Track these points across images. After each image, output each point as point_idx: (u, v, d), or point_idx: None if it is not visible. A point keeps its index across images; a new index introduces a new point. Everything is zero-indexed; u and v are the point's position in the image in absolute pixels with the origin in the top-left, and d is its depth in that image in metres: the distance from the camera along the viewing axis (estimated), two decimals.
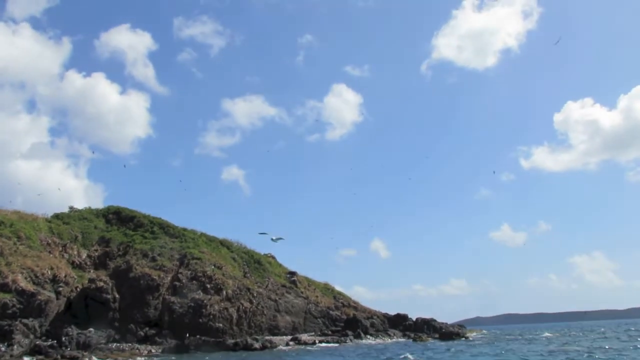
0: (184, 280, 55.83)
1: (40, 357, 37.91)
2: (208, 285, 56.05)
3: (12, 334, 43.56)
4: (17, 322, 44.58)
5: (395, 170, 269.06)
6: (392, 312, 77.70)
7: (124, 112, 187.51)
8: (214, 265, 58.93)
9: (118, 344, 49.03)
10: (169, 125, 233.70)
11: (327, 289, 77.79)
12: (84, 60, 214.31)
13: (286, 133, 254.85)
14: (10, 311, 44.70)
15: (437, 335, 64.30)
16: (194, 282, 56.08)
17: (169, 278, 55.86)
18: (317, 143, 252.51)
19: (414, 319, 75.36)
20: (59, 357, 37.35)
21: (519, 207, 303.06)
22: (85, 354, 39.47)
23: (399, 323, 74.57)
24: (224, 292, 56.29)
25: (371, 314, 76.18)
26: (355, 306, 77.67)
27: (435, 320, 73.82)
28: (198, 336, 49.47)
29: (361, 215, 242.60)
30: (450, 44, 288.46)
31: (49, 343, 41.98)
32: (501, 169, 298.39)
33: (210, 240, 66.77)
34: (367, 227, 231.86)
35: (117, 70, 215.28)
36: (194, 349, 47.07)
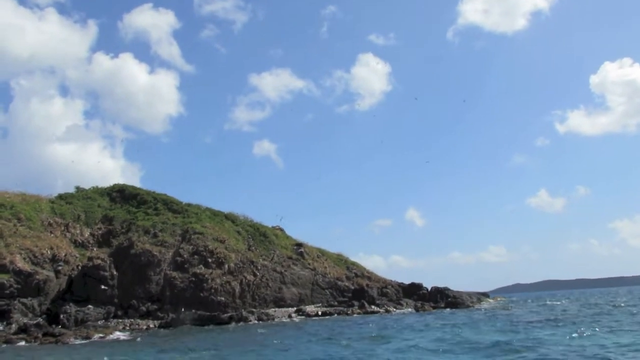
0: (185, 255, 55.90)
1: (23, 335, 38.10)
2: (209, 260, 56.01)
3: (10, 313, 44.42)
4: (15, 302, 45.41)
5: (427, 138, 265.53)
6: (428, 282, 76.98)
7: (153, 92, 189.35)
8: (216, 239, 58.79)
9: (121, 320, 49.58)
10: (199, 103, 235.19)
11: (339, 260, 77.21)
12: (110, 42, 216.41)
13: (315, 105, 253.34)
14: (7, 291, 45.35)
15: (442, 305, 63.38)
16: (196, 256, 56.10)
17: (170, 253, 55.98)
18: (346, 114, 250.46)
19: (429, 288, 74.51)
20: (39, 335, 37.45)
21: (556, 173, 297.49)
22: (67, 331, 39.64)
23: (413, 292, 73.78)
24: (226, 266, 56.20)
25: (385, 284, 75.46)
26: (369, 276, 76.97)
27: (449, 289, 72.79)
28: (193, 310, 49.55)
29: (394, 185, 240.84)
30: (477, 8, 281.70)
31: (34, 322, 42.34)
32: (536, 134, 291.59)
33: (215, 214, 66.65)
34: (400, 196, 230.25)
35: (143, 50, 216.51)
36: (189, 322, 47.17)
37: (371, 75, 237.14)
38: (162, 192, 67.57)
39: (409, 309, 60.84)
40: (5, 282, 45.52)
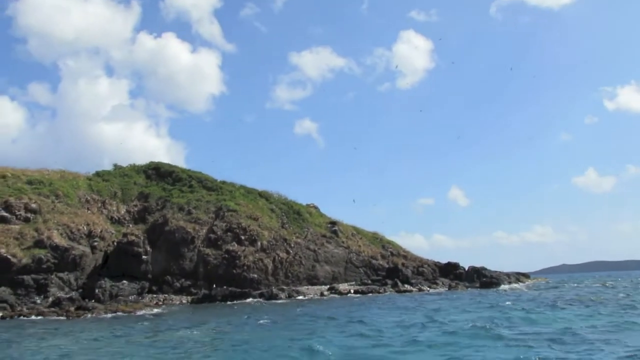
0: (218, 232, 56.30)
1: (55, 308, 39.01)
2: (242, 237, 56.29)
3: (47, 287, 45.62)
4: (52, 276, 46.60)
5: (471, 116, 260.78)
6: (472, 261, 75.95)
7: (196, 71, 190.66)
8: (250, 217, 58.99)
9: (155, 295, 50.43)
10: (240, 82, 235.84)
11: (375, 238, 76.66)
12: (153, 22, 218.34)
13: (356, 83, 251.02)
14: (45, 266, 46.56)
15: (477, 285, 62.39)
16: (229, 233, 56.45)
17: (204, 230, 56.47)
18: (387, 92, 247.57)
19: (466, 268, 73.46)
20: (71, 308, 38.25)
21: (605, 151, 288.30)
22: (98, 305, 40.38)
23: (449, 272, 72.84)
24: (259, 243, 56.40)
25: (421, 263, 74.73)
26: (405, 255, 76.29)
27: (485, 269, 71.49)
28: (225, 287, 49.98)
29: (437, 164, 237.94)
30: None
31: (68, 295, 43.29)
32: (583, 112, 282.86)
33: (249, 192, 66.84)
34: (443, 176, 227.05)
35: (185, 30, 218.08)
36: (221, 299, 47.59)
37: (413, 53, 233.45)
38: (198, 170, 68.16)
39: (444, 289, 59.99)
40: (42, 257, 46.71)
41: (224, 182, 67.18)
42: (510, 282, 72.40)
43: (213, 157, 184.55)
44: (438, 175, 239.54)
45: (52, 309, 39.47)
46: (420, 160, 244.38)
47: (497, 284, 61.98)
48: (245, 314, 33.71)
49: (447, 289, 59.84)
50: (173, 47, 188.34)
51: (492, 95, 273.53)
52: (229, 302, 46.72)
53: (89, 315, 36.07)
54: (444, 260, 75.61)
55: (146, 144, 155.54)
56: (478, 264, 74.92)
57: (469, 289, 59.87)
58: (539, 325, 23.02)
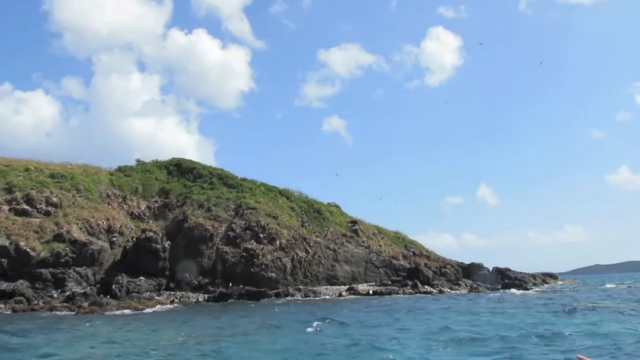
0: (237, 230, 56.00)
1: (67, 304, 39.08)
2: (261, 235, 55.91)
3: (65, 281, 45.84)
4: (70, 270, 46.79)
5: (500, 113, 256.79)
6: (502, 262, 74.79)
7: (225, 67, 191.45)
8: (269, 215, 58.61)
9: (173, 292, 50.33)
10: (269, 78, 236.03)
11: (397, 238, 75.80)
12: (184, 18, 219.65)
13: (385, 80, 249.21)
14: (63, 260, 46.77)
15: (499, 286, 61.16)
16: (248, 232, 56.11)
17: (223, 228, 56.24)
18: (416, 89, 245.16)
19: (490, 269, 72.17)
20: (84, 304, 38.24)
21: (638, 148, 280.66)
22: (111, 301, 40.34)
23: (473, 272, 71.59)
24: (278, 242, 55.97)
25: (444, 263, 73.63)
26: (428, 255, 75.28)
27: (510, 270, 70.28)
28: (241, 285, 49.70)
29: (466, 162, 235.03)
30: None
31: (82, 291, 43.38)
32: (616, 108, 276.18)
33: (269, 190, 66.44)
34: (472, 174, 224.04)
35: (215, 26, 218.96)
36: (236, 297, 47.33)
37: (442, 49, 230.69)
38: (226, 167, 68.14)
39: (465, 290, 58.93)
40: (61, 250, 46.94)
41: (244, 180, 66.91)
42: (535, 284, 71.02)
43: (241, 154, 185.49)
44: (467, 174, 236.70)
45: (65, 304, 39.50)
46: (449, 159, 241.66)
47: (520, 286, 60.71)
48: (243, 314, 33.63)
49: (468, 290, 58.73)
50: (203, 43, 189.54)
51: (522, 92, 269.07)
52: (244, 301, 46.43)
53: (99, 311, 35.96)
54: (473, 260, 74.37)
55: (176, 139, 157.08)
56: (508, 264, 73.61)
57: (491, 290, 58.66)
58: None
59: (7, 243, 46.22)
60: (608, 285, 75.60)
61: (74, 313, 35.40)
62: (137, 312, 36.92)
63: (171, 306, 41.68)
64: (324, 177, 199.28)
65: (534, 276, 79.71)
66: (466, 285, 62.70)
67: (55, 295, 43.95)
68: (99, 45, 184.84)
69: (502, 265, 72.74)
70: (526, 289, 60.47)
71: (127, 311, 36.83)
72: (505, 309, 34.37)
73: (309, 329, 24.59)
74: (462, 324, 26.10)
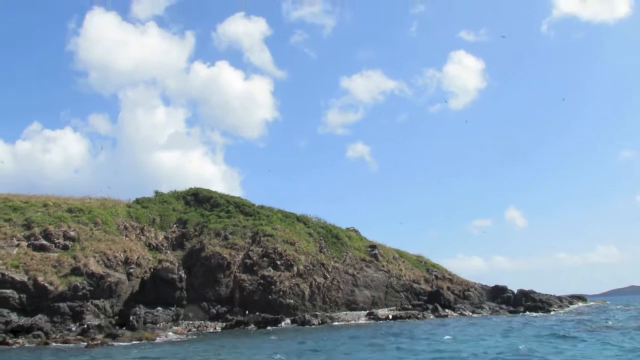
0: (254, 258, 55.85)
1: (80, 337, 39.13)
2: (278, 262, 55.66)
3: (83, 314, 45.91)
4: (87, 303, 46.89)
5: (527, 135, 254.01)
6: (533, 284, 73.80)
7: (249, 97, 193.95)
8: (286, 242, 58.40)
9: (191, 322, 50.17)
10: (292, 107, 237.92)
11: (419, 262, 75.00)
12: (206, 51, 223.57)
13: (408, 105, 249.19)
14: (80, 293, 46.92)
15: (521, 309, 59.83)
16: (265, 259, 55.91)
17: (240, 256, 56.13)
18: (439, 113, 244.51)
19: (514, 291, 70.83)
20: (97, 336, 38.28)
21: None
22: (125, 332, 40.35)
23: (497, 295, 70.45)
24: (295, 268, 55.63)
25: (468, 286, 72.56)
26: (451, 278, 74.26)
27: (534, 292, 68.86)
28: (259, 313, 49.39)
29: (492, 184, 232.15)
30: None
31: (96, 323, 43.38)
32: None
33: (286, 216, 66.38)
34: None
35: (236, 58, 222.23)
36: (253, 324, 47.02)
37: (464, 73, 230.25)
38: (251, 197, 68.53)
39: (487, 313, 57.80)
40: (78, 284, 47.15)
41: (261, 207, 67.02)
42: (561, 306, 69.42)
43: (267, 183, 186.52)
44: (494, 197, 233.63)
45: (79, 337, 39.57)
46: (475, 181, 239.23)
47: (542, 308, 59.31)
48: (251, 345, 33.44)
49: (489, 313, 57.59)
50: (226, 75, 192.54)
51: (548, 113, 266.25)
52: (261, 329, 46.13)
53: (111, 343, 35.96)
54: (504, 283, 73.29)
55: (203, 171, 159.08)
56: (539, 286, 72.49)
57: (513, 313, 57.48)
58: None
59: (25, 278, 46.62)
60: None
61: (84, 345, 35.44)
62: (149, 342, 36.85)
63: (183, 336, 41.41)
64: (350, 203, 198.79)
65: (560, 298, 78.06)
66: (489, 309, 61.54)
67: (73, 329, 43.99)
68: (124, 82, 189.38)
69: (533, 287, 71.55)
70: (548, 311, 59.01)
71: (135, 342, 36.82)
72: (485, 333, 34.10)
73: None
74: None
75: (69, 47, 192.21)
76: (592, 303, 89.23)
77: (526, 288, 71.57)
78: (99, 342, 35.99)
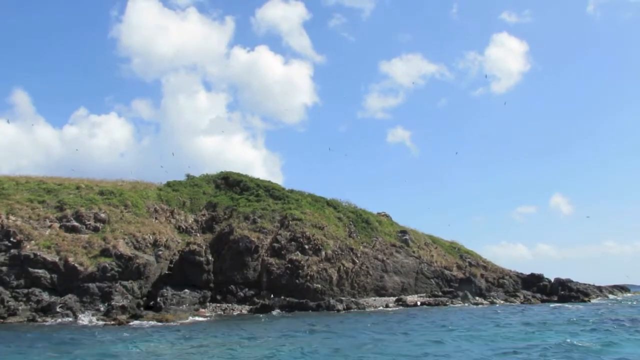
0: (282, 242, 55.76)
1: (103, 317, 39.76)
2: (306, 246, 55.44)
3: (111, 295, 46.58)
4: (116, 284, 47.58)
5: (572, 118, 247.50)
6: (580, 273, 72.31)
7: (289, 82, 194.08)
8: (315, 226, 58.11)
9: (218, 304, 50.49)
10: (332, 92, 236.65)
11: (452, 248, 73.90)
12: (245, 36, 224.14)
13: (449, 89, 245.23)
14: (109, 274, 47.63)
15: (555, 298, 58.27)
16: (293, 243, 55.78)
17: (268, 240, 56.13)
18: (482, 97, 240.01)
19: (551, 280, 69.20)
20: (120, 317, 38.80)
21: None
22: (148, 313, 40.81)
23: (533, 283, 68.96)
24: (323, 253, 55.33)
25: (503, 274, 71.30)
26: (485, 265, 73.08)
27: (571, 281, 67.12)
28: (284, 297, 49.39)
29: (537, 170, 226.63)
30: None
31: (120, 304, 43.89)
32: None
33: (316, 200, 66.06)
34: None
35: (276, 43, 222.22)
36: (278, 308, 47.06)
37: (507, 56, 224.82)
38: (292, 181, 68.57)
39: (519, 301, 56.58)
40: (107, 265, 47.86)
41: (291, 191, 66.85)
42: (599, 296, 67.56)
43: (306, 168, 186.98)
44: (538, 183, 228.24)
45: (102, 317, 40.23)
46: (519, 167, 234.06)
47: (577, 298, 57.64)
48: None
49: (520, 302, 56.32)
50: (266, 59, 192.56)
51: (594, 97, 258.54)
52: (285, 313, 46.18)
53: (130, 323, 36.47)
54: (548, 272, 72.09)
55: (244, 155, 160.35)
56: (585, 275, 70.86)
57: (545, 302, 56.12)
58: None
59: (56, 259, 47.58)
60: None
61: (101, 325, 36.12)
62: (168, 324, 37.19)
63: (204, 319, 41.60)
64: (390, 189, 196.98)
65: (600, 288, 76.01)
66: (523, 297, 60.23)
67: (101, 309, 44.72)
68: (166, 68, 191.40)
69: (579, 277, 69.97)
70: (583, 301, 57.33)
71: (152, 322, 37.40)
72: (491, 325, 33.47)
73: None
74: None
75: (112, 34, 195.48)
76: (632, 294, 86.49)
77: (573, 277, 70.10)
78: (117, 322, 36.48)
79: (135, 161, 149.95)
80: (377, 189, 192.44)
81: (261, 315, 45.12)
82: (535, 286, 67.87)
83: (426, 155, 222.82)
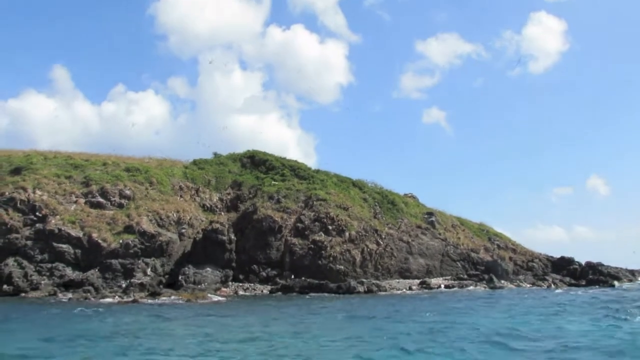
0: (306, 222, 55.32)
1: (120, 294, 39.99)
2: (330, 227, 54.90)
3: (134, 272, 47.00)
4: (139, 261, 47.94)
5: (610, 99, 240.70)
6: (617, 256, 70.51)
7: (324, 62, 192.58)
8: (339, 207, 57.49)
9: (241, 284, 50.51)
10: (367, 71, 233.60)
11: (481, 230, 72.41)
12: (281, 15, 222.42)
13: (485, 69, 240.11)
14: (132, 251, 48.02)
15: (583, 282, 56.74)
16: (317, 223, 55.29)
17: (292, 220, 55.75)
18: (519, 77, 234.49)
19: (582, 263, 67.42)
20: (139, 294, 39.00)
21: None
22: (167, 291, 41.01)
23: (563, 267, 67.28)
24: (347, 234, 54.74)
25: (532, 257, 69.69)
26: (514, 248, 71.40)
27: (602, 265, 65.07)
28: (305, 277, 49.11)
29: (573, 151, 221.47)
30: None
31: (139, 281, 44.15)
32: None
33: (342, 181, 65.29)
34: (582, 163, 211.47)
35: (311, 21, 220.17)
36: (298, 289, 46.86)
37: (545, 35, 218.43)
38: (326, 163, 68.13)
39: (545, 285, 55.42)
40: (130, 242, 48.23)
41: (317, 171, 66.24)
42: (631, 280, 65.58)
43: (341, 148, 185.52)
44: (575, 164, 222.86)
45: (119, 293, 40.55)
46: (555, 149, 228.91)
47: (606, 282, 56.06)
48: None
49: (547, 286, 55.11)
50: (301, 38, 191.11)
51: (634, 78, 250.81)
52: (304, 294, 46.03)
53: (143, 300, 36.69)
54: (586, 255, 70.43)
55: (279, 134, 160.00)
56: (624, 259, 68.49)
57: (573, 286, 54.85)
58: None
59: (80, 234, 48.17)
60: None
61: (116, 302, 36.43)
62: (185, 302, 37.25)
63: (222, 298, 41.49)
64: (423, 170, 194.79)
65: (633, 272, 73.78)
66: (551, 281, 58.86)
67: (123, 285, 45.10)
68: (202, 46, 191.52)
69: (618, 261, 68.04)
70: (612, 285, 55.69)
71: (164, 299, 37.74)
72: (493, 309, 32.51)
73: None
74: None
75: (150, 11, 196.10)
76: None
77: (612, 261, 68.31)
78: (131, 300, 36.69)
79: (171, 139, 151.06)
80: (410, 169, 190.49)
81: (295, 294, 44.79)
82: (565, 269, 66.19)
83: (461, 136, 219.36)
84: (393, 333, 22.37)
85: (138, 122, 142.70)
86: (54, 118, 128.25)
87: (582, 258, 69.25)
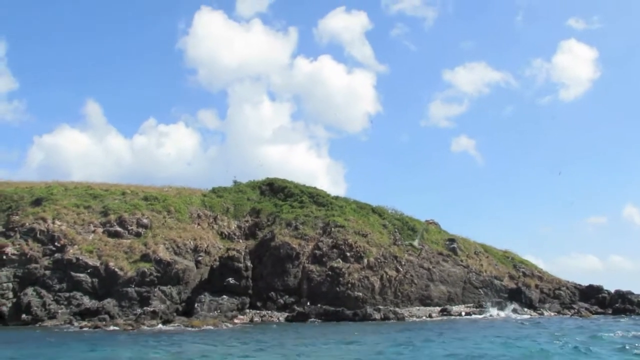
0: (324, 249, 54.79)
1: (130, 322, 39.80)
2: (348, 254, 54.28)
3: (150, 300, 46.86)
4: (155, 289, 47.84)
5: None
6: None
7: (351, 91, 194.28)
8: (358, 233, 56.88)
9: (258, 311, 49.98)
10: (395, 101, 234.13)
11: (505, 257, 70.93)
12: (308, 46, 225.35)
13: (514, 97, 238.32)
14: (148, 279, 47.97)
15: (609, 311, 54.96)
16: (335, 250, 54.73)
17: (310, 246, 55.30)
18: (549, 105, 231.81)
19: (612, 292, 65.39)
20: (149, 322, 38.73)
21: None
22: (179, 318, 40.64)
23: (591, 295, 65.34)
24: (365, 260, 54.03)
25: (559, 285, 67.88)
26: (540, 275, 69.69)
27: (632, 293, 63.01)
28: (320, 305, 48.41)
29: (608, 180, 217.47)
30: None
31: (151, 309, 43.86)
32: None
33: (361, 207, 64.72)
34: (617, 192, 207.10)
35: (338, 52, 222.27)
36: (314, 316, 46.14)
37: (575, 63, 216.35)
38: (354, 191, 67.86)
39: (570, 313, 53.77)
40: (146, 270, 48.22)
41: (335, 198, 65.87)
42: None
43: (369, 177, 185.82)
44: (609, 193, 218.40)
45: (128, 321, 40.39)
46: (589, 177, 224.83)
47: (633, 311, 54.19)
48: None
49: (571, 315, 53.45)
50: (328, 69, 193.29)
51: None
52: (322, 321, 45.32)
53: (148, 328, 36.44)
54: (622, 285, 68.33)
55: (308, 164, 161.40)
56: None
57: (597, 314, 53.14)
58: None
59: (98, 263, 48.35)
60: None
61: (122, 330, 36.23)
62: (193, 330, 36.92)
63: (231, 326, 41.00)
64: (453, 198, 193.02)
65: None
66: (577, 309, 57.14)
67: (138, 313, 44.95)
68: (231, 78, 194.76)
69: None
70: (638, 314, 53.82)
71: (168, 327, 37.21)
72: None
73: None
74: None
75: (179, 45, 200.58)
76: None
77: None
78: (133, 327, 36.58)
79: (201, 170, 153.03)
80: (437, 197, 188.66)
81: (275, 323, 44.14)
82: (594, 298, 64.34)
83: (491, 164, 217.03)
84: None
85: (169, 154, 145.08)
86: (87, 152, 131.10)
87: (618, 287, 67.19)
